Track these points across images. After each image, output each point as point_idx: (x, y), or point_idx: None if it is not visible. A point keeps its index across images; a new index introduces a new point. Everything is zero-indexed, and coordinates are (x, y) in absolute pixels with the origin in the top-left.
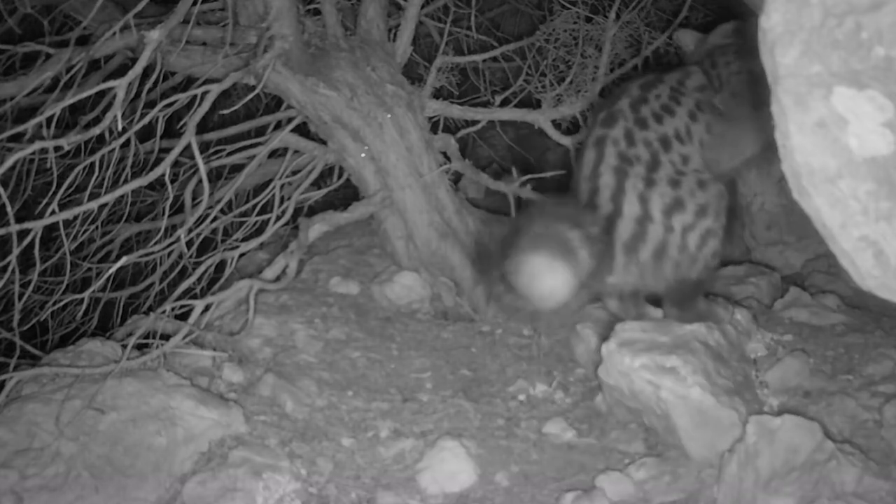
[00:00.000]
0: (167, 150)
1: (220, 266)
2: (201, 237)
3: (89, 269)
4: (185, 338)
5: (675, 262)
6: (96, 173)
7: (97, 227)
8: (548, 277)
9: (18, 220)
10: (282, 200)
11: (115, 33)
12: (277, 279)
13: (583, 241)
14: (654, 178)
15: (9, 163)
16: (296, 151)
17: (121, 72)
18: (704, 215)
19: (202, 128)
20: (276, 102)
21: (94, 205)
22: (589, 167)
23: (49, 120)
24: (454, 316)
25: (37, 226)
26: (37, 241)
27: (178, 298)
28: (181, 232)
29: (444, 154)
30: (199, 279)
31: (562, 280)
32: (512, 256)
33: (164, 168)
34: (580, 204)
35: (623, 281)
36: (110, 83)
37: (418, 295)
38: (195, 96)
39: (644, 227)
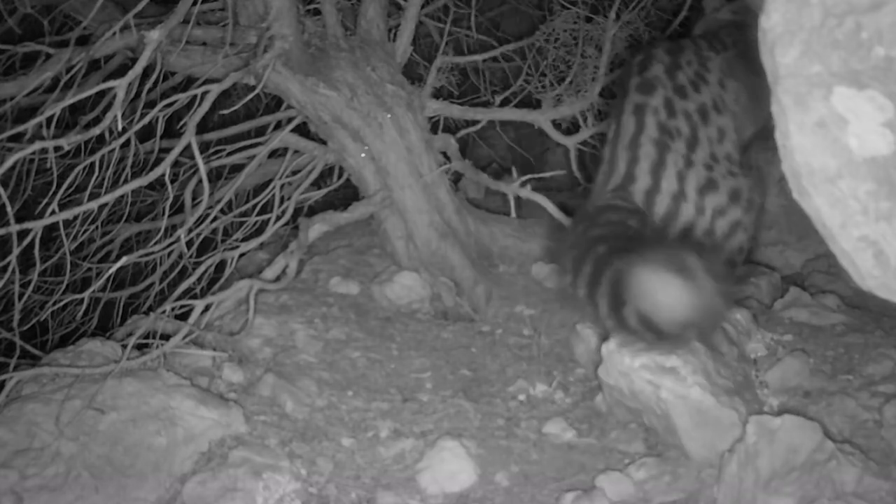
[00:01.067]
0: (167, 150)
1: (220, 266)
2: (201, 237)
3: (89, 269)
4: (185, 338)
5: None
6: (96, 173)
7: (97, 227)
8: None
9: (18, 220)
10: (282, 200)
11: (115, 33)
12: (277, 279)
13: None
14: (692, 159)
15: (9, 163)
16: (296, 151)
17: (121, 72)
18: (737, 201)
19: (202, 128)
20: (276, 102)
21: (94, 205)
22: (628, 136)
23: (49, 120)
24: (454, 316)
25: (37, 226)
26: (37, 241)
27: (178, 298)
28: (181, 232)
29: (444, 154)
30: (199, 279)
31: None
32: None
33: (164, 168)
34: (613, 172)
35: None
36: (110, 83)
37: (418, 295)
38: (195, 96)
39: (678, 204)
